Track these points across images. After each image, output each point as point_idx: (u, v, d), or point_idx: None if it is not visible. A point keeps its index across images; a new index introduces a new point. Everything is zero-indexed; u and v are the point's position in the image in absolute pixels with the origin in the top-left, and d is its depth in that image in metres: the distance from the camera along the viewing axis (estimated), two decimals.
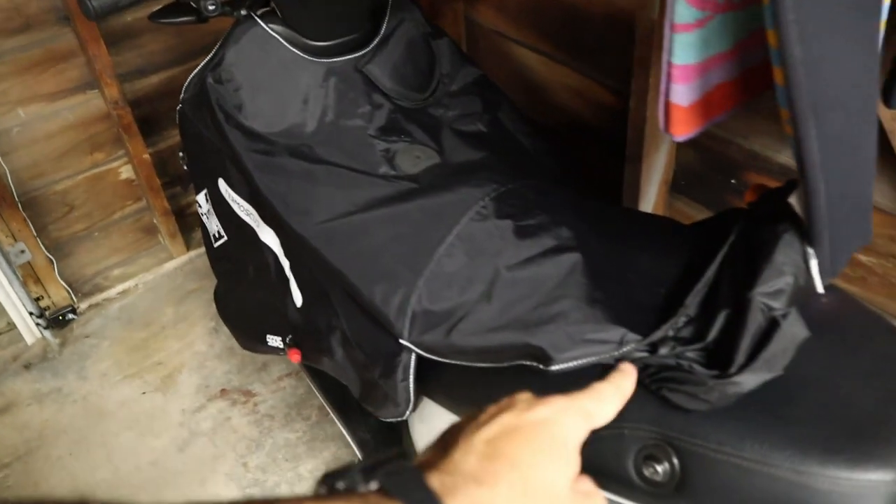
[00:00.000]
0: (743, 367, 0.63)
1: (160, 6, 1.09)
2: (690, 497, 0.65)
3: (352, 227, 1.01)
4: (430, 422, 1.02)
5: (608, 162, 1.43)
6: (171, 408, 1.79)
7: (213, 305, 2.01)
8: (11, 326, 1.96)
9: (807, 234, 0.67)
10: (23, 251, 1.83)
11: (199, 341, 1.94)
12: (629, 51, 1.25)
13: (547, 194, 1.00)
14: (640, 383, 0.69)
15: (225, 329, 1.95)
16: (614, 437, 0.69)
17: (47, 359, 1.91)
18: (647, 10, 1.12)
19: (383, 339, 0.95)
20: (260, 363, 1.86)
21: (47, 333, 1.91)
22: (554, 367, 0.73)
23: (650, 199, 1.33)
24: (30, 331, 1.91)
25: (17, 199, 1.78)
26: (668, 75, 0.76)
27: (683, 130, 0.80)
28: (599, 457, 0.70)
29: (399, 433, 1.22)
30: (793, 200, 0.70)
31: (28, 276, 1.88)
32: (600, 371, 0.73)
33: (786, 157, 1.14)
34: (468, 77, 1.25)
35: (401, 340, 0.92)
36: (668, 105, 0.78)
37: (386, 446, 1.25)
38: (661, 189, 1.32)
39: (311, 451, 1.66)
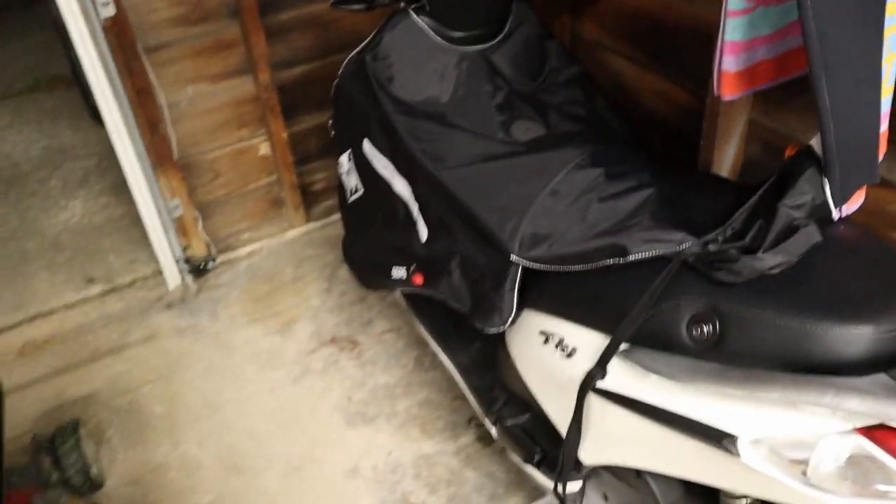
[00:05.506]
0: (766, 252, 0.87)
1: None
2: (726, 350, 0.89)
3: (476, 172, 1.29)
4: (522, 333, 1.27)
5: (684, 153, 1.67)
6: (287, 348, 2.08)
7: (327, 270, 2.34)
8: (157, 273, 2.30)
9: (822, 168, 0.92)
10: (177, 206, 2.17)
11: (313, 298, 2.24)
12: (707, 57, 1.50)
13: (631, 154, 1.27)
14: (694, 268, 0.94)
15: (336, 289, 2.26)
16: (673, 308, 0.94)
17: (185, 301, 2.24)
18: None
19: (496, 257, 1.22)
20: (366, 319, 2.14)
21: (189, 278, 2.24)
22: (630, 258, 0.99)
23: None
24: (173, 276, 2.25)
25: (177, 161, 2.13)
26: (721, 49, 1.04)
27: (730, 92, 1.07)
28: (660, 324, 0.95)
29: (493, 357, 1.48)
30: (813, 143, 0.95)
31: (179, 229, 2.22)
32: (664, 263, 0.98)
33: None
34: (572, 72, 1.53)
35: (511, 257, 1.19)
36: (720, 73, 1.06)
37: (482, 368, 1.50)
38: (730, 176, 1.56)
39: (407, 393, 1.92)
